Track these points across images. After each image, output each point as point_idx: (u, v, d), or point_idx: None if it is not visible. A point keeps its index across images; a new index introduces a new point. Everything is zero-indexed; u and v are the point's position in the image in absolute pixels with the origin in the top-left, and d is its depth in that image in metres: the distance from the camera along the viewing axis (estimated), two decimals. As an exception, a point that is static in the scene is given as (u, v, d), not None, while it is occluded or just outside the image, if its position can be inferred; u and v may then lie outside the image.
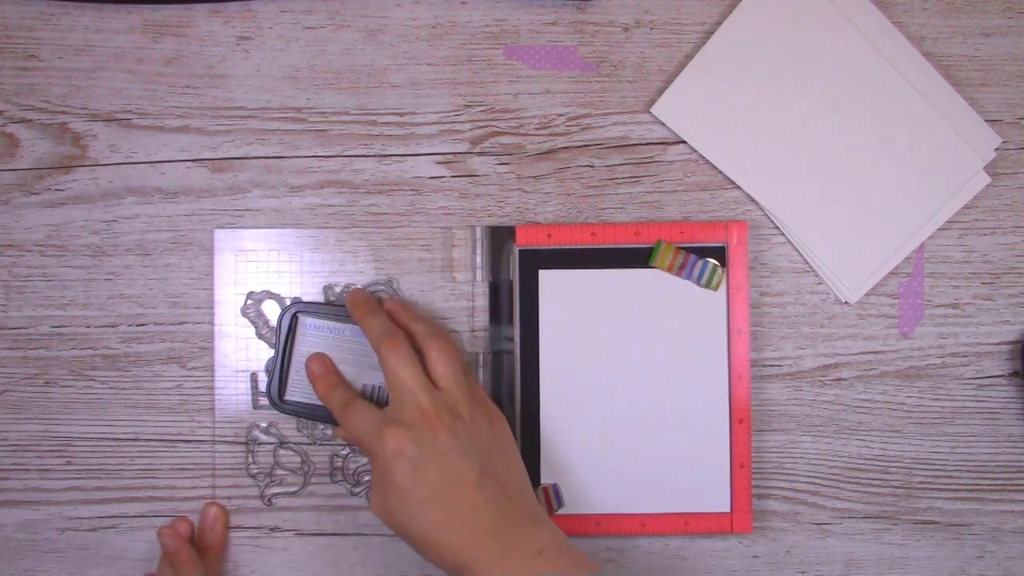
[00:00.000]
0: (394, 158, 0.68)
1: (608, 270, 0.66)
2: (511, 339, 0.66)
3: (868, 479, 0.67)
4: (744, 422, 0.66)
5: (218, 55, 0.68)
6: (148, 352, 0.67)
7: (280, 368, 0.65)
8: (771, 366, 0.67)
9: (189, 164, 0.67)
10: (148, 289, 0.67)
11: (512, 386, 0.66)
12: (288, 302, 0.67)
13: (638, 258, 0.66)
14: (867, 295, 0.67)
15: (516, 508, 0.57)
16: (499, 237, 0.67)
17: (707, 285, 0.66)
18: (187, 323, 0.67)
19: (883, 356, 0.67)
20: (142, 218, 0.67)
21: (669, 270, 0.66)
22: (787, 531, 0.67)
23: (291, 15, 0.68)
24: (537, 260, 0.66)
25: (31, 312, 0.67)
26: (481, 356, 0.67)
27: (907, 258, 0.68)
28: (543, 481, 0.66)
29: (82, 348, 0.67)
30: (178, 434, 0.67)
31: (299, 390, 0.65)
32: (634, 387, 0.66)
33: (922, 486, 0.67)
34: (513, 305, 0.66)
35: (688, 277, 0.66)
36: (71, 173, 0.67)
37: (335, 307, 0.66)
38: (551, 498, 0.65)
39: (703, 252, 0.66)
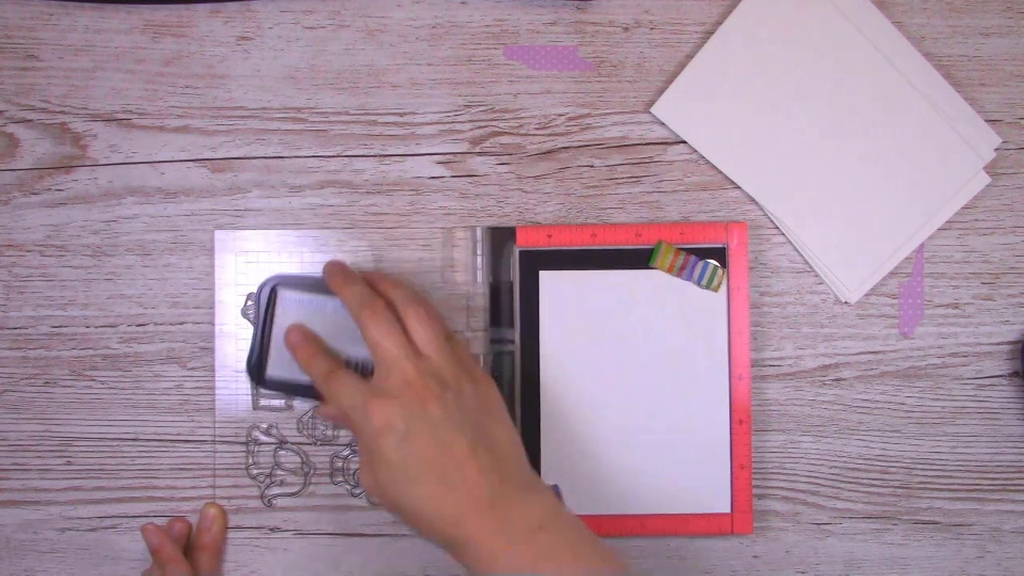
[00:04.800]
0: (394, 158, 0.68)
1: (609, 271, 0.66)
2: (511, 340, 0.66)
3: (868, 479, 0.67)
4: (744, 423, 0.66)
5: (218, 55, 0.68)
6: (148, 352, 0.67)
7: (260, 343, 0.64)
8: (771, 366, 0.67)
9: (189, 164, 0.67)
10: (148, 289, 0.67)
11: (512, 387, 0.66)
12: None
13: (638, 259, 0.66)
14: (867, 295, 0.67)
15: (510, 475, 0.56)
16: (499, 238, 0.67)
17: (707, 286, 0.66)
18: (187, 323, 0.67)
19: (883, 356, 0.67)
20: (142, 218, 0.67)
21: (670, 271, 0.66)
22: (787, 531, 0.67)
23: (291, 15, 0.68)
24: (537, 261, 0.66)
25: (31, 312, 0.67)
26: (481, 357, 0.67)
27: (907, 258, 0.68)
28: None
29: (82, 348, 0.67)
30: (178, 434, 0.67)
31: (280, 366, 0.63)
32: (635, 388, 0.66)
33: (922, 486, 0.67)
34: (513, 306, 0.66)
35: (689, 278, 0.66)
36: (71, 173, 0.67)
37: (315, 279, 0.64)
38: None
39: (703, 253, 0.66)
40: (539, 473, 0.66)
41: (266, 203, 0.67)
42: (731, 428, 0.66)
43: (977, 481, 0.67)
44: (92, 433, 0.67)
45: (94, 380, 0.67)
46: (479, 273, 0.67)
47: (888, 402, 0.67)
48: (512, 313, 0.66)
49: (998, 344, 0.68)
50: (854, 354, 0.67)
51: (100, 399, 0.67)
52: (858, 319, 0.68)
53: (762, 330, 0.67)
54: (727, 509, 0.66)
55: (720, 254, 0.66)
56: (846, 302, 0.67)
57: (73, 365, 0.67)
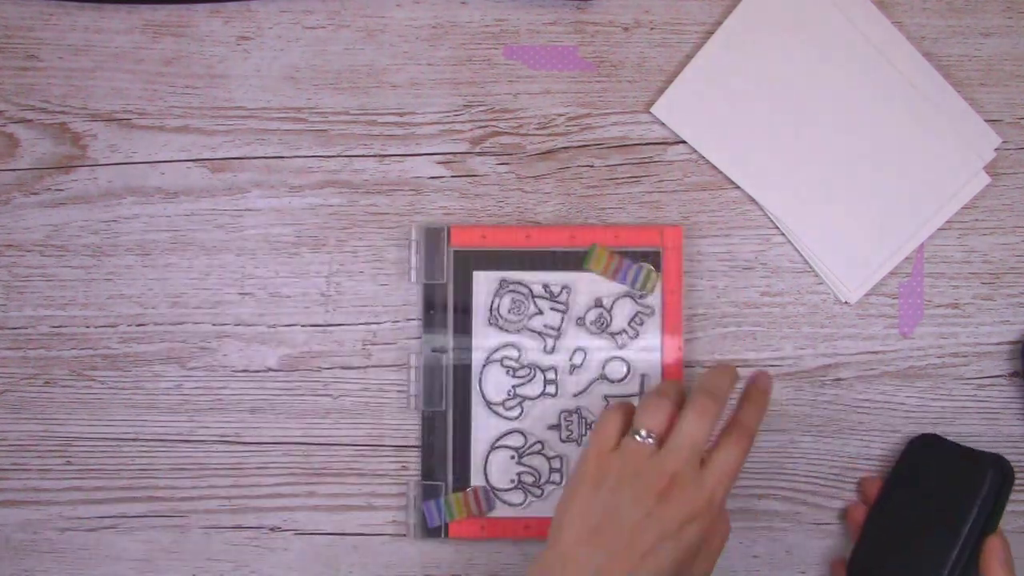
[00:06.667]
0: (394, 158, 0.68)
1: (543, 272, 0.66)
2: (445, 339, 0.66)
3: (868, 479, 0.67)
4: None
5: (218, 55, 0.68)
6: (148, 352, 0.67)
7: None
8: (771, 366, 0.67)
9: (189, 164, 0.67)
10: (148, 289, 0.67)
11: (444, 388, 0.66)
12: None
13: (573, 261, 0.66)
14: (867, 295, 0.67)
15: None
16: (435, 238, 0.66)
17: (641, 289, 0.66)
18: (187, 323, 0.67)
19: (883, 356, 0.67)
20: (142, 218, 0.67)
21: (604, 274, 0.66)
22: (787, 531, 0.67)
23: (291, 15, 0.68)
24: (471, 261, 0.66)
25: (31, 312, 0.67)
26: (413, 356, 0.66)
27: (907, 258, 0.68)
28: (473, 483, 0.66)
29: (82, 348, 0.67)
30: (178, 434, 0.67)
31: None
32: (566, 391, 0.66)
33: (922, 486, 0.67)
34: (448, 306, 0.66)
35: (623, 281, 0.66)
36: (71, 173, 0.67)
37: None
38: (481, 501, 0.65)
39: (638, 256, 0.66)
40: (469, 475, 0.65)
41: (266, 203, 0.67)
42: None
43: (977, 481, 0.67)
44: (92, 433, 0.67)
45: (94, 380, 0.67)
46: (413, 273, 0.66)
47: (888, 402, 0.67)
48: (446, 313, 0.66)
49: (998, 344, 0.68)
50: (854, 354, 0.67)
51: (100, 399, 0.67)
52: (858, 319, 0.68)
53: (762, 330, 0.67)
54: None
55: (655, 258, 0.66)
56: (846, 302, 0.67)
57: (73, 365, 0.67)
